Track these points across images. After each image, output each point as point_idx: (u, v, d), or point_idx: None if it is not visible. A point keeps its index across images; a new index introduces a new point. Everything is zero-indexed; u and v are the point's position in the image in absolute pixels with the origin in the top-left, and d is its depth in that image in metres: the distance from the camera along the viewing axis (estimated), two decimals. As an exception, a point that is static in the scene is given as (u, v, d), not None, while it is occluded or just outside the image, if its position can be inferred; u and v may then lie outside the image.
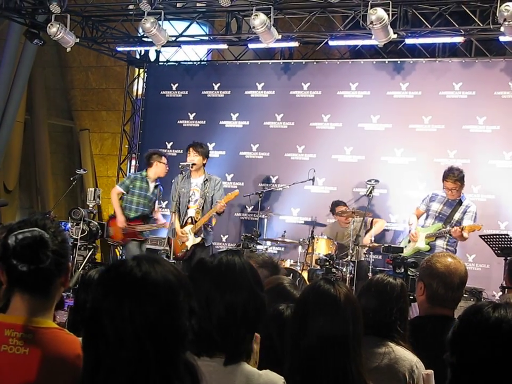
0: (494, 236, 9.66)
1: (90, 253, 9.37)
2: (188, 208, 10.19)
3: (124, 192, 10.71)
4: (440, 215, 9.79)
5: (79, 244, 9.40)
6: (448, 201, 9.76)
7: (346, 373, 2.89)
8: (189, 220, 10.10)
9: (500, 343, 2.15)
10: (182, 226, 10.10)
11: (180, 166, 10.34)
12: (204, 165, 10.23)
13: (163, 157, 10.95)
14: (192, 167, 9.99)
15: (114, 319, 1.88)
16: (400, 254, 8.72)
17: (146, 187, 10.85)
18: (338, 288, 3.02)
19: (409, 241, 9.92)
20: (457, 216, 9.67)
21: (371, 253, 10.59)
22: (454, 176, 9.55)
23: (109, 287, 1.95)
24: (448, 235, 9.63)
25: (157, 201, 11.12)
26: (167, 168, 10.94)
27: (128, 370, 1.85)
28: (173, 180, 10.40)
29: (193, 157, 10.08)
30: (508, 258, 8.76)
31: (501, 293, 5.90)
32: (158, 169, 10.86)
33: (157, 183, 11.00)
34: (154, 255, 2.13)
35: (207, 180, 10.15)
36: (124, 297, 1.91)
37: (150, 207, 10.92)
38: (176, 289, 1.97)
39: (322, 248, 10.41)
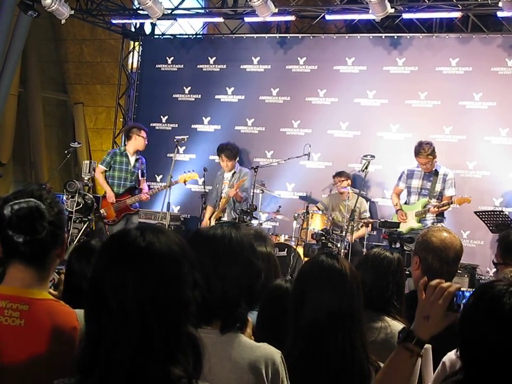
0: (489, 213, 9.69)
1: (85, 225, 9.33)
2: (221, 199, 11.09)
3: (107, 169, 10.79)
4: (423, 190, 9.97)
5: (74, 216, 9.37)
6: (425, 174, 9.99)
7: (352, 345, 2.90)
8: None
9: None
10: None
11: (175, 140, 10.67)
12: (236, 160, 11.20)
13: (142, 131, 11.11)
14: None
15: (117, 289, 1.86)
16: (396, 229, 8.77)
17: (127, 161, 11.02)
18: (342, 262, 3.02)
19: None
20: (438, 187, 9.90)
21: (367, 230, 10.56)
22: (425, 152, 9.80)
23: (111, 256, 1.92)
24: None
25: (139, 173, 11.17)
26: (146, 141, 11.12)
27: (132, 342, 1.83)
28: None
29: (227, 163, 11.10)
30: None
31: (494, 270, 5.88)
32: (136, 142, 11.03)
33: (138, 157, 11.14)
34: (159, 225, 2.10)
35: (235, 172, 11.05)
36: (127, 267, 1.88)
37: (134, 180, 11.06)
38: (180, 260, 1.94)
39: (317, 223, 10.41)
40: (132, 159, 11.04)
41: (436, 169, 9.93)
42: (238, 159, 11.21)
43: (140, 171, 11.12)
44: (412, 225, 9.83)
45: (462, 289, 2.48)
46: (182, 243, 1.99)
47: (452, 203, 9.70)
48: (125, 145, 11.22)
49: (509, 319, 2.03)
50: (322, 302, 2.93)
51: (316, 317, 2.91)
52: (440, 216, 9.86)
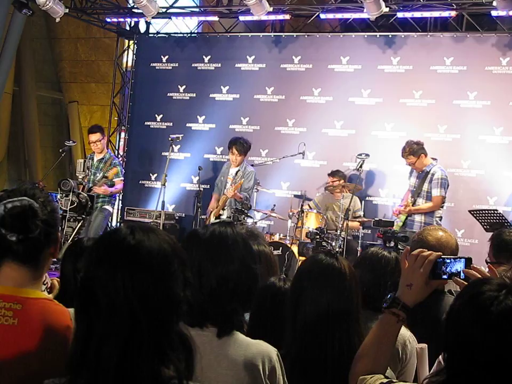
0: (483, 211, 9.68)
1: (79, 224, 9.32)
2: (223, 195, 10.90)
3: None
4: (414, 188, 10.01)
5: (68, 215, 9.35)
6: (419, 174, 10.06)
7: (350, 345, 2.89)
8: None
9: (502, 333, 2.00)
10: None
11: (170, 139, 10.72)
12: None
13: (89, 135, 11.29)
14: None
15: (106, 287, 1.86)
16: (391, 228, 8.77)
17: (91, 162, 11.20)
18: (341, 261, 3.02)
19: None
20: (425, 186, 9.96)
21: (360, 227, 10.58)
22: (405, 153, 9.93)
23: (101, 255, 1.92)
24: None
25: (99, 174, 11.01)
26: (92, 146, 11.28)
27: (121, 339, 1.83)
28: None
29: (236, 157, 10.82)
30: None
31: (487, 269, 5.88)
32: None
33: (101, 157, 11.22)
34: (149, 224, 2.10)
35: (240, 170, 10.82)
36: (117, 265, 1.88)
37: (93, 180, 11.03)
38: (170, 258, 1.94)
39: (311, 222, 10.42)
40: (95, 160, 11.21)
41: (425, 169, 9.95)
42: (247, 156, 11.11)
43: (101, 172, 11.00)
44: (398, 223, 9.90)
45: (443, 256, 2.55)
46: (173, 242, 1.99)
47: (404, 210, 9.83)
48: None
49: (495, 328, 2.00)
50: (321, 301, 2.92)
51: (314, 316, 2.91)
52: (429, 218, 9.85)
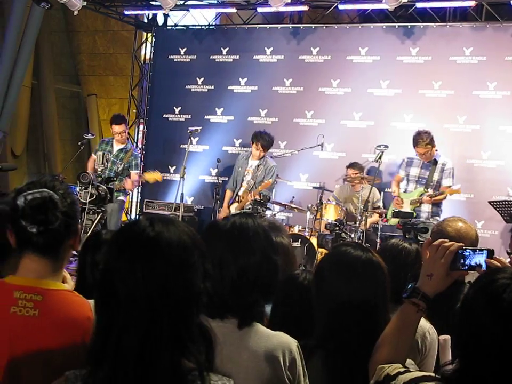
0: (503, 202, 9.62)
1: (99, 217, 9.31)
2: (241, 186, 10.89)
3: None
4: (420, 179, 9.99)
5: (87, 208, 9.35)
6: (424, 163, 10.00)
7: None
8: (237, 199, 10.91)
9: None
10: (231, 204, 10.97)
11: (188, 131, 10.69)
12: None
13: (112, 125, 11.06)
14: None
15: (126, 279, 1.86)
16: (410, 219, 8.73)
17: (109, 149, 10.97)
18: (376, 255, 3.00)
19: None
20: (435, 176, 9.90)
21: (380, 219, 10.54)
22: (423, 141, 9.77)
23: (121, 247, 1.93)
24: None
25: (122, 165, 10.77)
26: (116, 136, 10.99)
27: (140, 331, 1.83)
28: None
29: (260, 152, 10.81)
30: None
31: (509, 259, 5.85)
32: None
33: (122, 147, 11.01)
34: (169, 216, 2.10)
35: (261, 164, 10.82)
36: (136, 257, 1.88)
37: (114, 171, 10.75)
38: (190, 250, 1.94)
39: (331, 214, 10.39)
40: (115, 149, 11.00)
41: (435, 159, 9.90)
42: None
43: (122, 162, 10.82)
44: None
45: (464, 247, 2.54)
46: (193, 234, 1.99)
47: (443, 193, 9.71)
48: None
49: (507, 315, 1.99)
50: (358, 294, 2.88)
51: (350, 309, 2.87)
52: (436, 207, 9.83)
